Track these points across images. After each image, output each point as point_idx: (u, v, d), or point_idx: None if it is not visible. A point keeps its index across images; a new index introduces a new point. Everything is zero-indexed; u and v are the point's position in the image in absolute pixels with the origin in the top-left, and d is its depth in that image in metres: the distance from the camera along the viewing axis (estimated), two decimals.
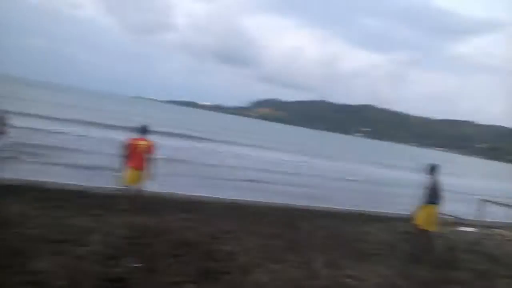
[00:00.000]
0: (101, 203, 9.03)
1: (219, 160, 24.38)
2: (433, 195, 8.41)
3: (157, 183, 9.79)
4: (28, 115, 26.89)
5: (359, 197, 18.62)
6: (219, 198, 11.52)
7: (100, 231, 6.82)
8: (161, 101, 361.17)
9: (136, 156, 8.92)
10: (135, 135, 9.12)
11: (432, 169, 8.64)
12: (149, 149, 9.01)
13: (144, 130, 9.17)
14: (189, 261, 6.02)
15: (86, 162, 15.77)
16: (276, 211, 10.97)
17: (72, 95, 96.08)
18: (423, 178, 8.62)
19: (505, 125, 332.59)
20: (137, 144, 8.97)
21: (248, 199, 11.83)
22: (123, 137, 9.43)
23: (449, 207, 12.37)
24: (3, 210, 7.26)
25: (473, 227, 11.85)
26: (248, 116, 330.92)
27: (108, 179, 11.73)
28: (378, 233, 9.98)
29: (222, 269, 5.86)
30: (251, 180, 18.06)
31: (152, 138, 9.25)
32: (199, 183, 15.46)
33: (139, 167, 8.96)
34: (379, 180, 26.25)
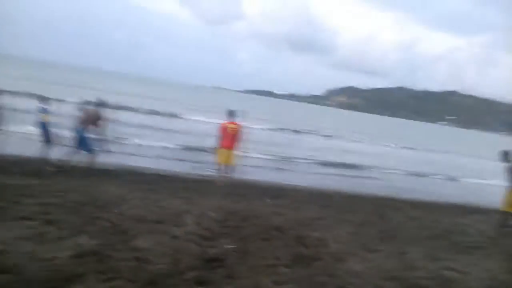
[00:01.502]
0: (191, 187, 9.37)
1: (303, 149, 24.33)
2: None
3: (245, 170, 10.15)
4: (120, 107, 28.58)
5: (453, 189, 17.65)
6: (305, 186, 11.48)
7: (192, 213, 7.04)
8: (237, 91, 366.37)
9: (227, 137, 9.88)
10: (225, 119, 10.05)
11: (506, 155, 8.69)
12: (238, 131, 9.98)
13: (232, 114, 10.15)
14: (280, 245, 6.00)
15: (176, 151, 16.41)
16: (364, 200, 10.69)
17: (153, 87, 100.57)
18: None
19: None
20: (227, 127, 9.94)
21: (335, 187, 11.67)
22: (214, 123, 10.15)
23: None
24: (104, 192, 7.74)
25: None
26: (325, 104, 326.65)
27: (197, 167, 12.26)
28: (477, 225, 9.32)
29: (314, 255, 5.77)
30: (335, 170, 17.89)
31: (240, 121, 10.08)
32: (285, 171, 15.57)
33: (230, 148, 9.91)
34: (474, 171, 24.64)
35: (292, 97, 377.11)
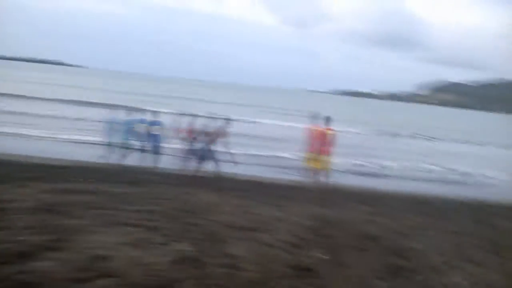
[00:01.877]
0: (283, 193, 9.40)
1: (401, 152, 23.34)
2: None
3: (338, 176, 10.02)
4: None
5: None
6: (402, 191, 10.97)
7: (284, 220, 7.06)
8: (327, 92, 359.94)
9: (319, 142, 10.13)
10: (320, 125, 10.34)
11: None
12: (329, 136, 10.18)
13: (328, 120, 10.36)
14: (375, 255, 5.78)
15: (268, 158, 16.64)
16: (468, 206, 9.89)
17: (244, 93, 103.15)
18: None
19: None
20: (318, 131, 10.16)
21: (436, 193, 10.98)
22: (309, 127, 10.34)
23: None
24: (200, 200, 8.09)
25: None
26: (426, 103, 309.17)
27: (288, 172, 12.30)
28: None
29: (411, 267, 5.47)
30: (438, 175, 16.87)
31: (334, 127, 10.27)
32: (381, 176, 15.05)
33: (321, 153, 10.16)
34: None
35: (389, 96, 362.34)
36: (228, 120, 10.02)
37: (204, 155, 9.75)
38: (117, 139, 11.65)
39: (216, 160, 9.87)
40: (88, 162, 11.42)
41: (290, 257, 5.39)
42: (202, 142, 9.74)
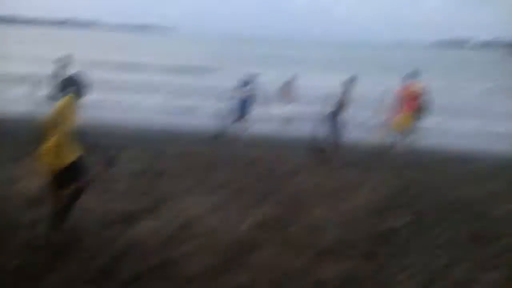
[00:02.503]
0: (365, 157, 9.19)
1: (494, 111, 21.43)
2: None
3: (427, 136, 9.64)
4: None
5: None
6: (496, 153, 10.33)
7: (365, 185, 7.11)
8: (424, 46, 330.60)
9: (406, 101, 9.28)
10: (406, 81, 9.51)
11: None
12: (418, 94, 9.25)
13: (414, 75, 9.46)
14: (460, 221, 5.72)
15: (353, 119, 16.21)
16: None
17: (338, 49, 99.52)
18: None
19: None
20: (406, 90, 9.33)
21: None
22: (395, 85, 9.81)
23: None
24: (284, 163, 8.35)
25: None
26: None
27: (376, 134, 11.96)
28: None
29: (494, 233, 5.36)
30: None
31: (422, 82, 9.48)
32: (471, 137, 14.06)
33: (409, 113, 9.29)
34: None
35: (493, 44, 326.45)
36: (352, 81, 9.17)
37: (330, 123, 9.11)
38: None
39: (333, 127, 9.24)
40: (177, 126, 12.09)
41: (370, 222, 5.54)
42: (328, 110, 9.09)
